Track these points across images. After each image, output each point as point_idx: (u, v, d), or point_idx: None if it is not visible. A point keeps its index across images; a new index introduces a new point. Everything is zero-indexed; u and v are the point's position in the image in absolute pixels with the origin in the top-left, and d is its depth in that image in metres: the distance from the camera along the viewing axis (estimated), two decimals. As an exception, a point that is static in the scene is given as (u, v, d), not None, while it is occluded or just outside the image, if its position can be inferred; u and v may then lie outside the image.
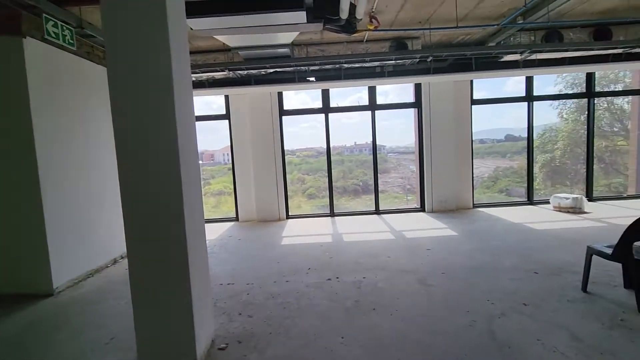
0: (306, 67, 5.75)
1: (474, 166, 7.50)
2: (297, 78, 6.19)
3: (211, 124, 8.23)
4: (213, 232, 6.52)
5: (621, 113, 12.09)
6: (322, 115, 7.36)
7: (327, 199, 7.57)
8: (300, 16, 3.26)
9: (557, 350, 2.25)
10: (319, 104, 7.38)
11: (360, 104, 7.42)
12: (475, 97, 7.33)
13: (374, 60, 5.43)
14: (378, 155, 7.64)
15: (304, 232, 6.22)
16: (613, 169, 11.86)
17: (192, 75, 5.76)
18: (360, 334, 2.63)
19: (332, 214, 7.51)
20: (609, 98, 11.60)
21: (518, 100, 7.42)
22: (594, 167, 7.51)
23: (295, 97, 12.16)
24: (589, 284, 3.11)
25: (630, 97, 11.57)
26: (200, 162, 10.96)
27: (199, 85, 6.26)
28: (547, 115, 13.30)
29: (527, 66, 6.00)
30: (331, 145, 7.53)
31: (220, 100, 7.54)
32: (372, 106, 7.32)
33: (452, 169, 7.19)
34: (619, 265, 3.08)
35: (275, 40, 4.61)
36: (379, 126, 7.48)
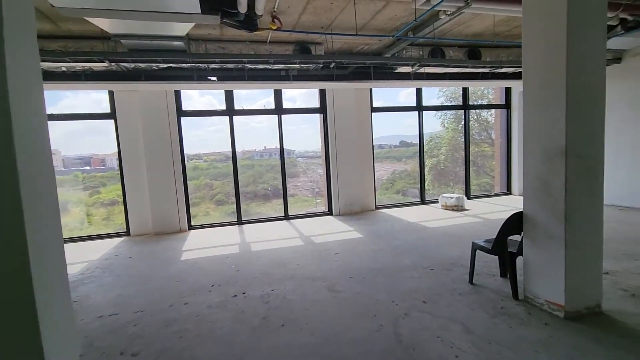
0: (206, 65, 5.30)
1: (375, 170, 7.97)
2: (196, 76, 5.67)
3: (101, 124, 7.01)
4: (96, 251, 5.52)
5: (486, 124, 14.51)
6: (227, 118, 6.92)
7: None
8: (193, 4, 2.91)
9: (454, 345, 2.38)
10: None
11: (267, 108, 7.20)
12: (374, 105, 7.80)
13: (278, 63, 5.29)
14: (287, 160, 7.57)
15: (208, 243, 5.70)
16: (482, 171, 14.04)
17: (62, 64, 4.78)
18: (267, 358, 2.41)
19: (240, 221, 7.10)
20: (477, 110, 13.67)
21: (411, 110, 8.15)
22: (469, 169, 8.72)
23: (201, 98, 11.24)
24: (474, 276, 3.47)
25: (493, 111, 14.02)
26: (88, 167, 9.33)
27: (72, 77, 5.24)
28: (432, 124, 15.18)
29: (417, 78, 6.61)
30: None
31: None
32: (279, 110, 7.17)
33: (356, 173, 7.50)
34: (497, 258, 3.51)
35: (168, 31, 4.09)
36: (288, 131, 7.41)
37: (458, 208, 7.30)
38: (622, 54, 6.57)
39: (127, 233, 6.59)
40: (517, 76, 7.20)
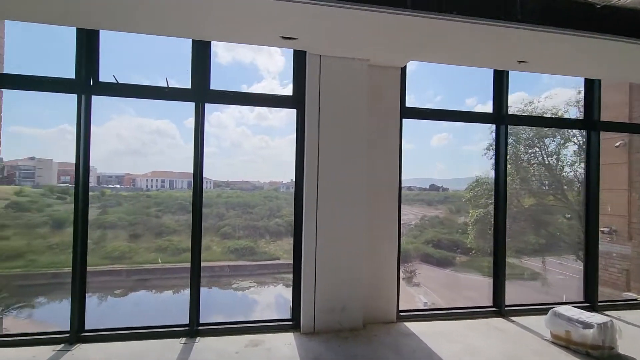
0: None
1: (403, 219, 3.81)
2: None
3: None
4: None
5: (547, 169, 9.99)
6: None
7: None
8: None
9: None
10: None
11: (170, 87, 3.37)
12: (407, 104, 3.80)
13: None
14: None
15: None
16: (545, 229, 9.37)
17: None
18: None
19: (78, 332, 3.03)
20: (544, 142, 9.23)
21: (481, 121, 4.10)
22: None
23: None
24: None
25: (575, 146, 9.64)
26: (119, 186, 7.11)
27: None
28: (478, 165, 11.44)
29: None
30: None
31: None
32: (199, 94, 3.32)
33: (359, 237, 3.38)
34: None
35: None
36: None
37: (604, 350, 2.93)
38: None
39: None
40: None
